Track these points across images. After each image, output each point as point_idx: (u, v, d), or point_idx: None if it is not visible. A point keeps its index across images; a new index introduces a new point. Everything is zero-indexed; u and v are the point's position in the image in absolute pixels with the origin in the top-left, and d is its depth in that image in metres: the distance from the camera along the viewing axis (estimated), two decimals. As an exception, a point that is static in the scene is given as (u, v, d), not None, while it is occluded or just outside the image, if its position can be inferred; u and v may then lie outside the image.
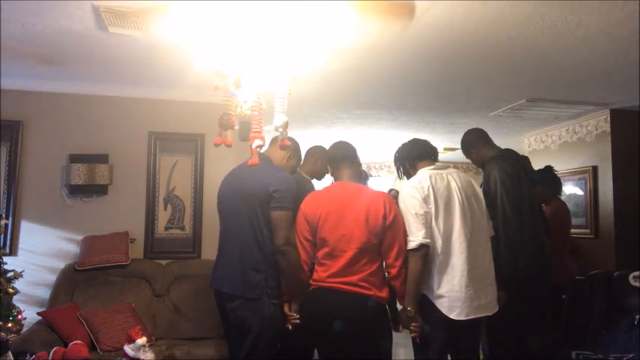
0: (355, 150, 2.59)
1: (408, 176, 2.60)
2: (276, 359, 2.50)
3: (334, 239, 2.29)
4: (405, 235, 2.31)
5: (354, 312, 2.20)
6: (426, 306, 2.33)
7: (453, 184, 2.41)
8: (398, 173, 2.70)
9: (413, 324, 2.30)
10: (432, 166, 2.50)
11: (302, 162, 3.29)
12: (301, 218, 2.41)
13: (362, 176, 2.72)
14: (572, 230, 4.51)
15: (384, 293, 2.28)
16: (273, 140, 2.67)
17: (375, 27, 2.62)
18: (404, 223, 2.32)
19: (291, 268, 2.38)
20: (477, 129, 3.05)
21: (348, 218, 2.29)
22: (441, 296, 2.31)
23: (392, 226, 2.27)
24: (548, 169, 3.94)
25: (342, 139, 2.66)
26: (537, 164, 4.88)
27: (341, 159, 2.52)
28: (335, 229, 2.29)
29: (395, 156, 2.70)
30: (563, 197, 4.75)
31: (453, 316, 2.28)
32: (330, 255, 2.30)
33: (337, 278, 2.25)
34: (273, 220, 2.40)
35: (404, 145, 2.67)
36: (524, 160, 2.97)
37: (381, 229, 2.25)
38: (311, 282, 2.36)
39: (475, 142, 3.00)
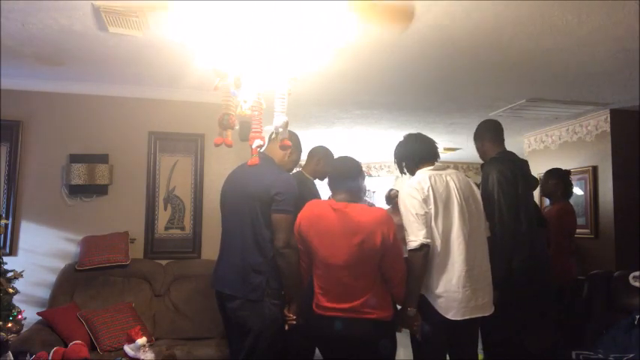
0: (357, 170, 2.42)
1: (412, 173, 2.56)
2: (277, 360, 2.50)
3: (327, 267, 2.25)
4: (402, 255, 2.30)
5: (360, 339, 2.20)
6: (423, 306, 2.33)
7: (452, 185, 2.41)
8: (400, 169, 2.64)
9: (415, 323, 2.30)
10: (432, 167, 2.49)
11: (305, 162, 3.30)
12: (295, 230, 2.36)
13: (363, 194, 2.52)
14: (572, 230, 4.52)
15: (387, 312, 2.25)
16: (273, 138, 2.62)
17: (375, 27, 2.62)
18: (404, 222, 2.32)
19: (291, 271, 2.38)
20: (494, 122, 3.05)
21: (340, 247, 2.21)
22: (438, 296, 2.30)
23: (392, 246, 2.22)
24: (567, 172, 4.04)
25: (347, 156, 2.47)
26: (537, 164, 4.91)
27: (336, 183, 2.39)
28: (327, 257, 2.24)
29: (396, 152, 2.63)
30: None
31: (449, 316, 2.28)
32: (326, 279, 2.27)
33: (338, 304, 2.22)
34: (273, 223, 2.40)
35: (407, 141, 2.60)
36: (523, 164, 2.99)
37: (378, 253, 2.20)
38: (314, 307, 2.32)
39: (485, 134, 3.00)
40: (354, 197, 2.35)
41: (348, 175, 2.37)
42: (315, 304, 2.31)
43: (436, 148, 2.58)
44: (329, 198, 2.43)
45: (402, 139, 2.64)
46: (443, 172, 2.46)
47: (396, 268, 2.27)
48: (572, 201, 4.65)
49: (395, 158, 2.64)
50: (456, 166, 7.91)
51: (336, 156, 2.74)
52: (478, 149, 3.06)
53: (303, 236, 2.33)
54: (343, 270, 2.20)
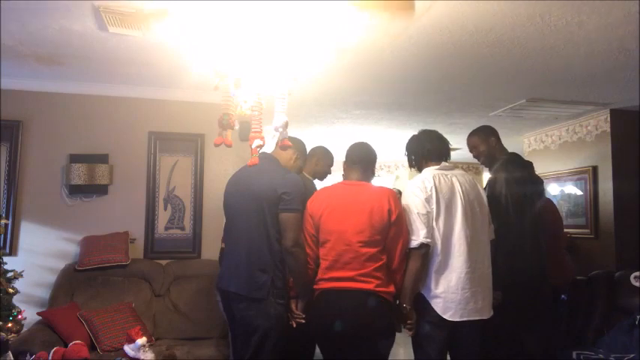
0: (373, 157, 2.54)
1: (419, 169, 2.57)
2: (279, 359, 2.50)
3: (337, 235, 2.29)
4: (408, 231, 2.31)
5: (359, 309, 2.20)
6: (422, 305, 2.33)
7: (457, 186, 2.40)
8: (409, 163, 2.65)
9: (408, 321, 2.31)
10: (438, 166, 2.48)
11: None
12: (307, 215, 2.43)
13: (371, 179, 2.60)
14: (572, 230, 4.53)
15: (390, 288, 2.27)
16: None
17: (376, 26, 2.62)
18: (407, 220, 2.33)
19: (300, 269, 2.39)
20: (491, 127, 3.08)
21: (351, 215, 2.29)
22: (436, 296, 2.31)
23: (397, 222, 2.27)
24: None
25: (365, 142, 2.59)
26: (537, 164, 4.89)
27: (354, 162, 2.49)
28: (338, 224, 2.30)
29: (407, 145, 2.65)
30: (563, 197, 4.78)
31: (447, 316, 2.28)
32: (334, 249, 2.30)
33: (340, 273, 2.26)
34: (282, 222, 2.40)
35: (420, 136, 2.61)
36: (529, 166, 3.00)
37: (385, 225, 2.25)
38: (316, 282, 2.35)
39: (489, 137, 3.01)
40: (366, 179, 2.48)
41: (362, 160, 2.49)
42: (318, 277, 2.34)
43: (447, 148, 2.58)
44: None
45: (419, 132, 2.65)
46: (449, 172, 2.45)
47: (394, 251, 2.28)
48: (571, 201, 4.68)
49: (406, 151, 2.66)
50: (455, 165, 7.89)
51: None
52: (484, 153, 3.03)
53: (315, 215, 2.37)
54: (353, 236, 2.25)
